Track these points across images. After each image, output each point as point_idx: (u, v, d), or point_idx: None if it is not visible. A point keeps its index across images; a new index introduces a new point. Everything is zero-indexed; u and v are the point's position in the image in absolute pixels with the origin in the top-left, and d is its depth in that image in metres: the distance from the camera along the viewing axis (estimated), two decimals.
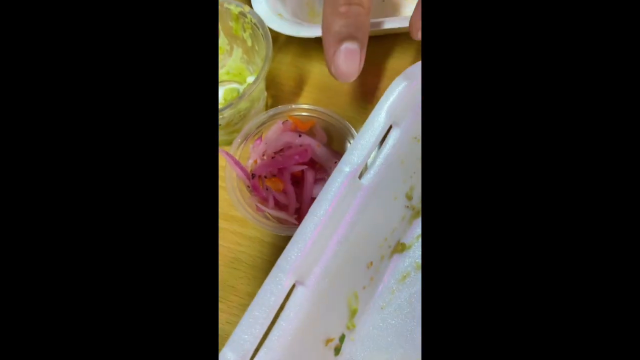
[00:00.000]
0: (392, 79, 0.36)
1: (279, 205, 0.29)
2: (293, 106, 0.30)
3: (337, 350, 0.25)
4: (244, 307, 0.28)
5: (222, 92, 0.37)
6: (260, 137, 0.31)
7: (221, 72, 0.37)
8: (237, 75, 0.37)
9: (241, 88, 0.37)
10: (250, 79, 0.37)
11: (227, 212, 0.31)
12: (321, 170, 0.30)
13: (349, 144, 0.30)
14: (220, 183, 0.32)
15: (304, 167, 0.29)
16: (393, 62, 0.38)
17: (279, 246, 0.30)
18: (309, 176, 0.29)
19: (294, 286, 0.22)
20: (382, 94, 0.36)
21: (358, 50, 0.24)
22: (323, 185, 0.23)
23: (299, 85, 0.37)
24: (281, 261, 0.22)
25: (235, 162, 0.28)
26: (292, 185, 0.29)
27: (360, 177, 0.24)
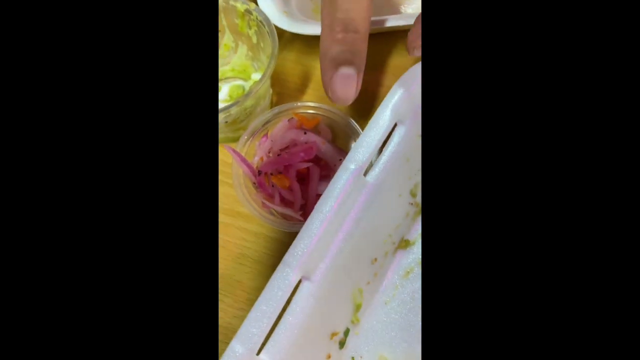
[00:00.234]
0: (395, 76, 0.37)
1: (284, 202, 0.29)
2: (298, 104, 0.31)
3: (342, 344, 0.26)
4: (250, 301, 0.29)
5: (227, 89, 0.37)
6: (266, 135, 0.31)
7: (226, 68, 0.37)
8: (241, 71, 0.37)
9: (246, 85, 0.37)
10: (255, 76, 0.37)
11: (233, 208, 0.32)
12: (326, 167, 0.31)
13: (353, 141, 0.31)
14: (226, 180, 0.33)
15: (310, 164, 0.29)
16: (397, 60, 0.38)
17: (284, 242, 0.31)
18: (314, 173, 0.29)
19: (300, 281, 0.22)
20: (385, 91, 0.37)
21: (354, 75, 0.24)
22: (328, 182, 0.24)
23: (304, 82, 0.37)
24: (288, 257, 0.22)
25: (241, 159, 0.29)
26: (297, 182, 0.29)
27: (365, 174, 0.25)
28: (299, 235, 0.22)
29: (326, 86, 0.25)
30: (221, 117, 0.28)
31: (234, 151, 0.29)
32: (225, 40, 0.36)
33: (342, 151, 0.31)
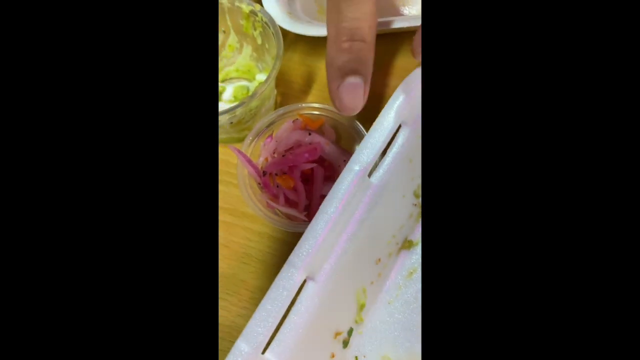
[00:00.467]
0: (400, 77, 0.37)
1: (289, 202, 0.29)
2: (303, 105, 0.31)
3: (346, 343, 0.26)
4: (254, 300, 0.29)
5: (232, 89, 0.37)
6: (271, 135, 0.31)
7: (231, 69, 0.38)
8: (246, 72, 0.38)
9: (250, 85, 0.38)
10: (259, 77, 0.37)
11: (238, 208, 0.32)
12: (330, 168, 0.31)
13: (357, 142, 0.31)
14: (231, 180, 0.33)
15: (314, 165, 0.29)
16: (401, 61, 0.38)
17: (288, 242, 0.31)
18: (319, 174, 0.29)
19: (304, 281, 0.23)
20: (389, 92, 0.37)
21: (362, 84, 0.24)
22: (332, 183, 0.24)
23: (308, 83, 0.38)
24: (293, 257, 0.22)
25: (246, 159, 0.29)
26: (301, 182, 0.29)
27: (369, 175, 0.25)
28: (303, 236, 0.23)
29: (333, 95, 0.25)
30: (226, 118, 0.29)
31: (239, 152, 0.29)
32: (230, 41, 0.36)
33: (346, 152, 0.31)
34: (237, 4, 0.33)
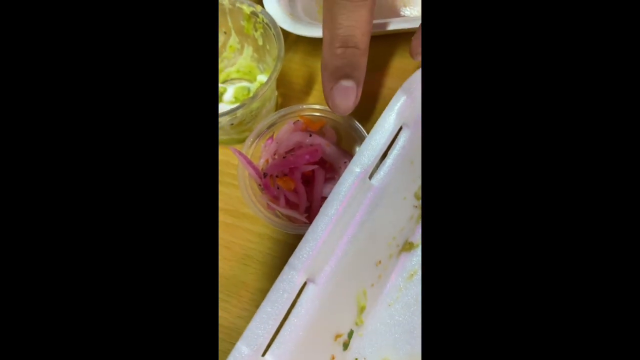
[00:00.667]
0: (399, 78, 0.37)
1: (289, 204, 0.29)
2: (304, 106, 0.31)
3: (346, 346, 0.26)
4: (254, 302, 0.29)
5: (233, 90, 0.37)
6: (271, 137, 0.31)
7: (231, 70, 0.38)
8: (247, 73, 0.38)
9: (251, 86, 0.38)
10: (260, 77, 0.37)
11: (238, 210, 0.32)
12: (331, 169, 0.31)
13: (357, 143, 0.31)
14: (232, 181, 0.33)
15: (315, 166, 0.29)
16: (401, 62, 0.38)
17: (288, 244, 0.31)
18: (320, 176, 0.29)
19: (305, 283, 0.23)
20: (389, 93, 0.37)
21: (354, 87, 0.25)
22: (332, 184, 0.24)
23: (309, 83, 0.38)
24: (293, 259, 0.22)
25: (247, 161, 0.29)
26: (302, 184, 0.29)
27: (370, 177, 0.25)
28: (304, 238, 0.23)
29: (327, 97, 0.26)
30: (227, 119, 0.29)
31: (240, 153, 0.29)
32: (231, 41, 0.36)
33: (347, 153, 0.31)
34: (238, 5, 0.33)
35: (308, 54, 0.39)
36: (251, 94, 0.37)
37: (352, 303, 0.26)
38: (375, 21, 0.36)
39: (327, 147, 0.30)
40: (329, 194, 0.24)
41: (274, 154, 0.31)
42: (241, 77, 0.38)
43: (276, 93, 0.36)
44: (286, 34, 0.34)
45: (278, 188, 0.30)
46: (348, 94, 0.25)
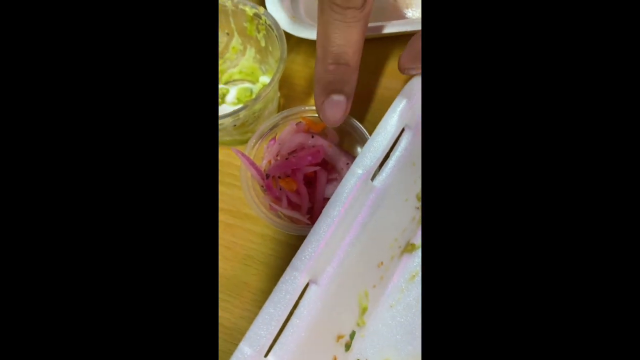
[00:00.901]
0: (399, 79, 0.37)
1: (292, 205, 0.29)
2: (306, 108, 0.31)
3: (348, 347, 0.26)
4: (256, 302, 0.29)
5: (235, 91, 0.38)
6: (274, 138, 0.31)
7: (234, 71, 0.38)
8: (249, 74, 0.38)
9: (254, 87, 0.38)
10: (263, 79, 0.37)
11: (240, 210, 0.32)
12: (333, 170, 0.31)
13: (359, 144, 0.31)
14: (234, 182, 0.33)
15: (317, 167, 0.30)
16: None
17: (290, 244, 0.31)
18: (322, 177, 0.30)
19: (307, 285, 0.23)
20: (389, 94, 0.37)
21: (344, 101, 0.27)
22: (335, 185, 0.24)
23: (311, 85, 0.38)
24: (296, 261, 0.22)
25: (250, 162, 0.29)
26: (304, 185, 0.29)
27: (372, 179, 0.25)
28: (306, 240, 0.23)
29: (318, 109, 0.28)
30: (230, 120, 0.29)
31: (242, 154, 0.29)
32: (233, 43, 0.36)
33: (349, 154, 0.31)
34: (241, 6, 0.33)
35: (310, 55, 0.39)
36: (254, 96, 0.37)
37: (354, 304, 0.26)
38: (376, 23, 0.36)
39: (329, 148, 0.31)
40: (331, 195, 0.24)
41: (277, 155, 0.31)
42: (244, 79, 0.38)
43: (279, 94, 0.36)
44: (288, 35, 0.34)
45: (280, 189, 0.30)
46: (338, 107, 0.27)
